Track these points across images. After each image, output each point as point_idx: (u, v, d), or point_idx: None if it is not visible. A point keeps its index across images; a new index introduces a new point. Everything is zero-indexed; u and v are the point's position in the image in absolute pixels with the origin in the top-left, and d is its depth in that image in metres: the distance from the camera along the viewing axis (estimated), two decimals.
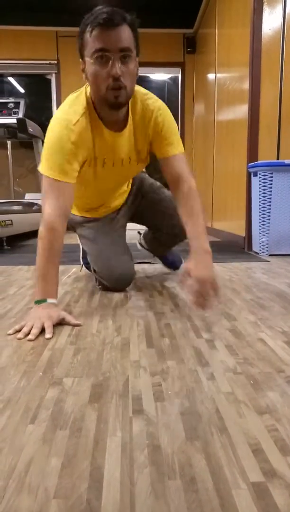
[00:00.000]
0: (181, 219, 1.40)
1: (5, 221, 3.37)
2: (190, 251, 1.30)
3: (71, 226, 1.74)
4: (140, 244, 2.08)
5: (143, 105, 1.42)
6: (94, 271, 1.65)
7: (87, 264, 1.90)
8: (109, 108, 1.30)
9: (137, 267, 2.28)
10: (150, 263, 2.27)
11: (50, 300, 1.26)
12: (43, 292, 1.26)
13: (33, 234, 4.53)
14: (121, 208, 1.78)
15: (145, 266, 2.32)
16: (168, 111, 1.45)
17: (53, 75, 5.25)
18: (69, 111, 1.35)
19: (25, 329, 1.14)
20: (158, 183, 1.79)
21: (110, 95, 1.25)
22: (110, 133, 1.39)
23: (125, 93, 1.26)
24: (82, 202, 1.69)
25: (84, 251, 1.88)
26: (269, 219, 2.66)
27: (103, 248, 1.62)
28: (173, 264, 1.87)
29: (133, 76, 1.28)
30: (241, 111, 3.14)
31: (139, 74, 1.35)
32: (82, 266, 1.99)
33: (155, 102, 1.43)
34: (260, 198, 2.66)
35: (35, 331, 1.13)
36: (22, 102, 4.32)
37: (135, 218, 1.84)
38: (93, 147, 1.39)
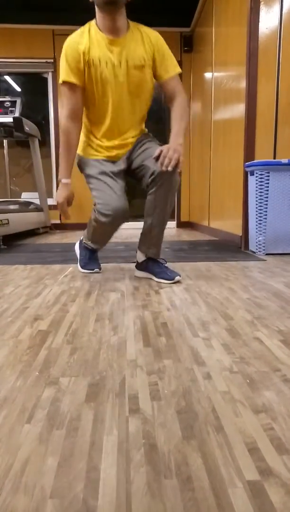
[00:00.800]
0: (172, 116, 1.80)
1: (1, 220, 3.36)
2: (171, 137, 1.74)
3: (81, 168, 1.97)
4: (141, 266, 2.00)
5: (143, 29, 1.79)
6: (94, 204, 1.83)
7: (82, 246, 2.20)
8: (105, 6, 1.62)
9: (133, 266, 2.28)
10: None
11: (64, 181, 1.89)
12: (60, 174, 1.90)
13: (30, 233, 4.54)
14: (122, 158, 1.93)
15: None
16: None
17: (50, 73, 5.23)
18: (74, 34, 1.75)
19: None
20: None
21: None
22: (106, 37, 1.71)
23: None
24: (100, 131, 1.87)
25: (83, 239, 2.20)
26: (265, 218, 2.66)
27: (105, 184, 1.80)
28: (169, 277, 1.84)
29: None
30: (238, 110, 3.14)
31: None
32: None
33: (155, 32, 1.81)
34: (256, 197, 2.66)
35: (64, 214, 1.92)
36: (18, 101, 4.31)
37: (130, 167, 1.94)
38: (90, 49, 1.71)
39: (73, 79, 1.73)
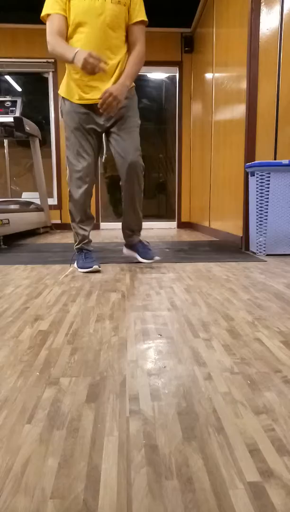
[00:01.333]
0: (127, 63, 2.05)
1: (2, 220, 3.36)
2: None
3: (61, 113, 2.16)
4: (128, 247, 2.44)
5: None
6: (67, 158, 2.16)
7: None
8: None
9: (135, 266, 2.28)
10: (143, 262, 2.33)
11: (75, 50, 1.84)
12: (69, 54, 1.85)
13: (30, 233, 4.54)
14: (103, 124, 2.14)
15: (142, 265, 2.31)
16: None
17: (50, 73, 5.24)
18: None
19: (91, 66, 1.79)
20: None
21: None
22: None
23: None
24: (76, 68, 1.99)
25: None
26: (266, 219, 2.66)
27: (78, 143, 2.11)
28: (147, 255, 2.24)
29: None
30: (239, 111, 3.14)
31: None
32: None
33: None
34: (257, 198, 2.66)
35: (96, 69, 1.80)
36: (19, 101, 4.31)
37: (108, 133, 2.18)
38: None
39: (56, 10, 1.95)
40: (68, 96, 2.10)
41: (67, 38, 2.00)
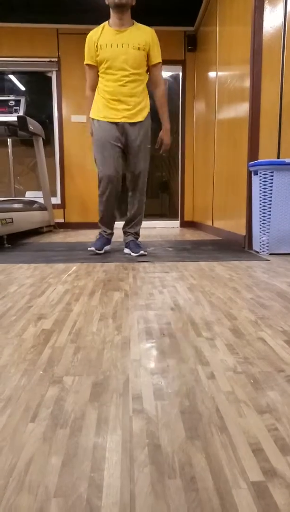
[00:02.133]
0: (157, 104, 2.71)
1: (5, 219, 3.36)
2: (162, 123, 2.71)
3: (91, 132, 2.68)
4: (125, 244, 2.89)
5: (143, 27, 2.56)
6: (95, 160, 2.70)
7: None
8: (116, 7, 2.42)
9: (137, 266, 2.28)
10: (149, 261, 2.33)
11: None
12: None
13: (34, 232, 4.55)
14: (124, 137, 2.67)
15: (146, 264, 2.32)
16: None
17: (54, 72, 5.24)
18: (93, 30, 2.56)
19: None
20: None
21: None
22: (113, 30, 2.50)
23: (125, 0, 2.40)
24: (105, 96, 2.57)
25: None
26: (269, 218, 2.66)
27: (105, 150, 2.61)
28: (134, 249, 2.69)
29: None
30: (242, 109, 3.13)
31: None
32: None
33: (152, 29, 2.58)
34: (260, 197, 2.66)
35: None
36: (22, 100, 4.31)
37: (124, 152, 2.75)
38: (100, 38, 2.51)
39: (89, 61, 2.57)
40: (95, 116, 2.71)
41: (99, 76, 2.61)
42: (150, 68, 2.61)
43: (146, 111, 2.65)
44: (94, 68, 2.58)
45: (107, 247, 2.86)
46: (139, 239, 2.93)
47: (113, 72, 2.51)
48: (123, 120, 2.56)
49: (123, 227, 2.89)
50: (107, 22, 2.54)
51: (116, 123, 2.58)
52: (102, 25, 2.54)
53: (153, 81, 2.65)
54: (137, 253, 2.64)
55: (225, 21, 3.69)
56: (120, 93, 2.53)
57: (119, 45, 2.48)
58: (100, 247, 2.75)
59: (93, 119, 2.62)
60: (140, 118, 2.61)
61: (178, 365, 0.91)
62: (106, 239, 2.86)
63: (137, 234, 2.88)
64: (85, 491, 0.52)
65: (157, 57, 2.59)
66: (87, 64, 2.59)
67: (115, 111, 2.56)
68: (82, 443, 0.63)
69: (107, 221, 2.83)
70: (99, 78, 2.60)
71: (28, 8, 4.77)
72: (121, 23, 2.49)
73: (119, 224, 3.40)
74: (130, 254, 2.71)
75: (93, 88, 2.63)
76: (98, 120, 2.60)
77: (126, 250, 2.81)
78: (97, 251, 2.72)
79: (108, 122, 2.57)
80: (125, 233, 2.89)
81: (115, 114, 2.56)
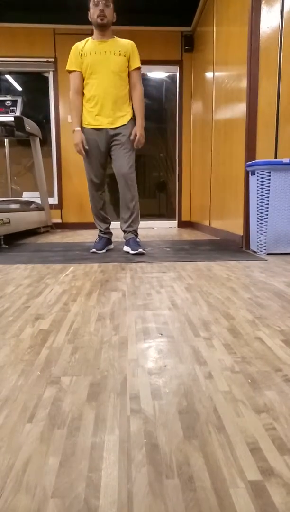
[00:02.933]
0: (134, 106, 2.83)
1: (2, 219, 3.36)
2: (136, 123, 2.81)
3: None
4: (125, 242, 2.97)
5: (123, 40, 2.79)
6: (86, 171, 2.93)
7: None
8: (98, 26, 2.69)
9: (135, 266, 2.28)
10: (147, 261, 2.31)
11: (76, 128, 2.77)
12: (72, 125, 2.79)
13: (31, 232, 4.54)
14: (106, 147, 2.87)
15: (144, 264, 2.32)
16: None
17: (51, 72, 5.23)
18: (78, 42, 2.80)
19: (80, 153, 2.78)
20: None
21: (98, 19, 2.66)
22: (96, 41, 2.75)
23: (106, 19, 2.67)
24: (90, 103, 2.78)
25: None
26: (267, 218, 2.66)
27: (90, 155, 2.86)
28: (133, 247, 2.78)
29: (111, 12, 2.69)
30: (239, 109, 3.14)
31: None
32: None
33: (131, 41, 2.80)
34: (258, 197, 2.66)
35: (80, 153, 2.80)
36: (19, 100, 4.30)
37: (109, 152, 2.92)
38: (84, 46, 2.75)
39: (73, 67, 2.76)
40: (84, 124, 2.89)
41: (84, 84, 2.78)
42: (130, 73, 2.80)
43: (129, 116, 2.82)
44: (77, 74, 2.76)
45: (109, 246, 3.02)
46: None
47: (96, 77, 2.71)
48: (106, 126, 2.76)
49: (121, 227, 2.96)
50: (91, 37, 2.81)
51: (99, 129, 2.78)
52: (86, 39, 2.80)
53: (132, 84, 2.82)
54: (135, 250, 2.73)
55: (222, 21, 3.69)
56: (104, 98, 2.73)
57: (102, 53, 2.71)
58: (101, 248, 2.89)
59: (82, 127, 2.82)
60: (122, 122, 2.79)
61: (176, 365, 0.91)
62: (106, 239, 2.98)
63: (136, 232, 2.95)
64: (83, 491, 0.52)
65: (136, 63, 2.79)
66: (69, 71, 2.78)
67: (99, 118, 2.76)
68: (80, 443, 0.63)
69: (98, 216, 3.01)
70: (84, 86, 2.78)
71: (25, 8, 4.77)
72: (103, 36, 2.75)
73: (117, 224, 3.41)
74: (128, 252, 2.80)
75: (77, 91, 2.78)
76: (84, 127, 2.82)
77: (125, 248, 2.89)
78: (99, 252, 2.85)
79: (92, 128, 2.79)
80: (124, 231, 2.97)
81: (99, 121, 2.77)
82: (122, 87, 2.76)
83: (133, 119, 2.84)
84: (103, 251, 2.89)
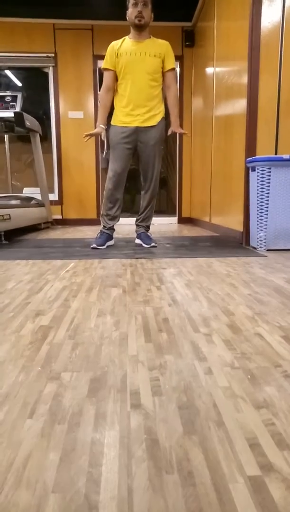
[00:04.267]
0: (169, 105, 2.90)
1: (3, 215, 3.36)
2: (171, 123, 2.93)
3: (107, 146, 2.98)
4: (137, 236, 3.16)
5: (159, 40, 2.83)
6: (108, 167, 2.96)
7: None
8: (135, 27, 2.73)
9: (135, 262, 2.28)
10: (147, 258, 2.31)
11: (101, 125, 2.86)
12: (98, 122, 2.88)
13: (31, 228, 4.54)
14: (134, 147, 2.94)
15: (143, 261, 2.32)
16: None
17: (51, 68, 5.21)
18: (115, 41, 2.84)
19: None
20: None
21: (136, 20, 2.69)
22: (132, 41, 2.79)
23: (143, 20, 2.69)
24: (122, 102, 2.83)
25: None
26: (267, 214, 2.66)
27: (115, 151, 2.89)
28: (146, 241, 2.99)
29: (149, 13, 2.73)
30: (240, 105, 3.12)
31: None
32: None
33: (167, 42, 2.83)
34: (258, 193, 2.66)
35: (90, 135, 2.83)
36: (19, 96, 4.29)
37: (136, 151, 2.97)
38: (120, 46, 2.78)
39: (107, 66, 2.80)
40: (114, 122, 2.95)
41: (118, 83, 2.84)
42: (165, 74, 2.84)
43: (160, 116, 2.87)
44: (111, 72, 2.81)
45: (110, 242, 3.02)
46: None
47: (131, 78, 2.75)
48: (137, 124, 2.81)
49: (136, 221, 3.17)
50: (127, 36, 2.84)
51: (129, 127, 2.82)
52: (123, 38, 2.84)
53: (167, 84, 2.87)
54: (148, 244, 2.95)
55: (222, 16, 3.67)
56: (137, 98, 2.77)
57: (137, 54, 2.74)
58: (102, 243, 2.91)
59: (111, 125, 2.89)
60: (153, 122, 2.84)
61: (176, 361, 0.91)
62: (107, 235, 2.99)
63: (148, 227, 3.16)
64: (83, 486, 0.53)
65: (171, 64, 2.82)
66: (104, 68, 2.83)
67: (131, 117, 2.81)
68: (80, 438, 0.63)
69: (109, 214, 2.98)
70: (119, 85, 2.83)
71: (24, 2, 4.74)
72: (139, 37, 2.78)
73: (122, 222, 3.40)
74: (141, 244, 3.02)
75: (108, 90, 2.83)
76: (114, 125, 2.87)
77: (137, 241, 3.11)
78: (99, 247, 2.87)
79: (122, 126, 2.83)
80: (137, 225, 3.16)
81: (130, 119, 2.81)
82: (156, 87, 2.81)
83: (165, 118, 2.91)
84: (104, 247, 2.91)
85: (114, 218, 3.00)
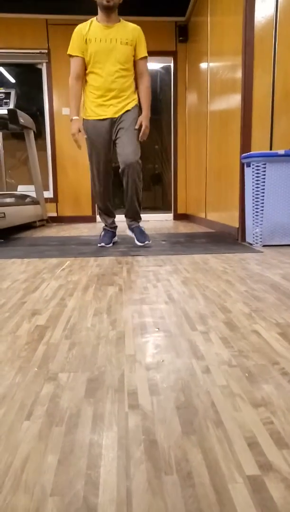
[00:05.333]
0: (140, 95, 2.76)
1: None
2: (142, 112, 2.71)
3: (84, 130, 2.73)
4: (130, 229, 2.93)
5: (130, 24, 2.64)
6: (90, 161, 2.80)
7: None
8: (104, 8, 2.51)
9: (131, 260, 2.28)
10: (143, 255, 2.30)
11: (74, 117, 2.63)
12: (71, 113, 2.64)
13: (26, 226, 4.52)
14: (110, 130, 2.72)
15: (140, 258, 2.31)
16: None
17: (44, 64, 5.17)
18: (81, 24, 2.61)
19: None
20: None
21: (104, 1, 2.46)
22: (101, 25, 2.57)
23: (112, 1, 2.47)
24: (93, 94, 2.64)
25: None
26: (262, 210, 2.66)
27: (94, 147, 2.73)
28: (140, 239, 2.78)
29: None
30: (234, 101, 3.12)
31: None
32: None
33: (138, 26, 2.64)
34: (253, 189, 2.66)
35: (76, 144, 2.66)
36: (13, 93, 4.25)
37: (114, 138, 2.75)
38: (88, 31, 2.56)
39: (76, 53, 2.59)
40: (86, 116, 2.76)
41: (86, 72, 2.64)
42: (137, 62, 2.68)
43: (134, 102, 2.71)
44: (79, 59, 2.60)
45: (115, 239, 2.99)
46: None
47: (101, 67, 2.57)
48: (110, 115, 2.65)
49: (125, 217, 2.91)
50: (95, 18, 2.60)
51: (103, 120, 2.66)
52: (90, 20, 2.61)
53: (139, 73, 2.71)
54: (142, 242, 2.74)
55: (216, 11, 3.66)
56: (108, 88, 2.60)
57: (107, 40, 2.55)
58: (108, 241, 2.84)
59: (84, 119, 2.70)
60: (127, 109, 2.68)
61: (173, 360, 0.91)
62: (111, 233, 2.93)
63: (140, 219, 2.92)
64: (82, 488, 0.52)
65: (143, 52, 2.66)
66: (71, 55, 2.61)
67: (104, 107, 2.64)
68: (78, 440, 0.63)
69: (103, 210, 2.90)
70: (88, 74, 2.63)
71: None
72: (109, 20, 2.56)
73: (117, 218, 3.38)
74: (134, 240, 2.84)
75: (78, 77, 2.63)
76: (86, 119, 2.69)
77: (130, 233, 2.90)
78: (107, 246, 2.81)
79: (96, 119, 2.66)
80: (128, 224, 2.95)
81: (103, 110, 2.64)
82: (128, 76, 2.65)
83: (139, 107, 2.75)
84: (110, 244, 2.85)
85: (110, 213, 2.92)
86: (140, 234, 2.81)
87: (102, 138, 2.69)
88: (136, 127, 2.65)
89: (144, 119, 2.67)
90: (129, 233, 2.93)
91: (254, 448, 0.60)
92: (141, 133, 2.66)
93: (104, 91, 2.61)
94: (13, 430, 0.66)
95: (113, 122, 2.68)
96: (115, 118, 2.67)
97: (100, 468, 0.56)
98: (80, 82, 2.66)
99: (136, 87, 2.76)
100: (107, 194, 2.85)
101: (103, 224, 3.04)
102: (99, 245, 2.80)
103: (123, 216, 2.90)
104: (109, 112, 2.65)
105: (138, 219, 2.88)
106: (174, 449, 0.60)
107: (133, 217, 2.84)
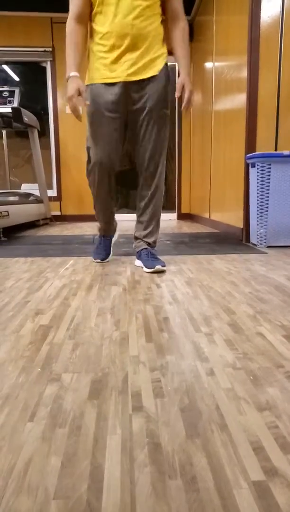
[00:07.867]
0: (174, 44, 1.90)
1: (1, 212, 3.34)
2: (180, 71, 1.88)
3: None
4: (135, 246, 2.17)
5: None
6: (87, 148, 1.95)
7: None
8: None
9: (135, 259, 2.27)
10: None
11: (72, 74, 1.76)
12: (68, 69, 1.78)
13: (30, 225, 4.52)
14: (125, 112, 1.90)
15: None
16: None
17: (48, 62, 5.16)
18: None
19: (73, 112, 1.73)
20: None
21: None
22: None
23: None
24: (101, 46, 1.81)
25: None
26: (267, 211, 2.65)
27: (96, 133, 1.88)
28: (148, 264, 1.92)
29: None
30: (239, 100, 3.10)
31: None
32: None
33: None
34: (258, 190, 2.64)
35: (74, 114, 1.74)
36: (17, 91, 4.26)
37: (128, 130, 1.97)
38: None
39: None
40: (91, 80, 1.95)
41: (92, 14, 1.81)
42: (167, 0, 1.83)
43: (163, 61, 1.87)
44: None
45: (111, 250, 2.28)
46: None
47: (113, 2, 1.73)
48: (126, 77, 1.80)
49: (135, 232, 2.11)
50: None
51: (115, 84, 1.82)
52: None
53: (170, 16, 1.85)
54: (152, 268, 1.87)
55: (221, 10, 3.64)
56: (123, 34, 1.74)
57: None
58: (104, 256, 2.17)
59: (86, 85, 1.89)
60: (152, 72, 1.83)
61: (177, 361, 0.91)
62: (108, 242, 2.24)
63: (154, 243, 2.08)
64: (85, 492, 0.52)
65: None
66: None
67: (115, 65, 1.80)
68: (82, 442, 0.62)
69: (106, 221, 2.17)
70: (93, 18, 1.82)
71: None
72: None
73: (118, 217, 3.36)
74: (142, 268, 1.97)
75: (78, 19, 1.81)
76: (92, 84, 1.86)
77: (138, 263, 2.04)
78: (103, 261, 2.17)
79: (104, 84, 1.82)
80: (136, 239, 2.11)
81: (114, 71, 1.81)
82: (153, 17, 1.79)
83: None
84: (107, 260, 2.20)
85: (112, 223, 2.22)
86: (149, 256, 1.97)
87: (111, 112, 1.84)
88: (177, 94, 1.84)
89: (186, 82, 1.82)
90: (136, 263, 2.06)
91: (259, 453, 0.59)
92: (184, 102, 1.85)
93: (116, 38, 1.76)
94: (17, 431, 0.65)
95: (129, 92, 1.84)
96: (132, 85, 1.83)
97: (103, 471, 0.56)
98: (84, 27, 1.84)
99: (166, 36, 1.89)
100: (110, 200, 2.06)
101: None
102: (94, 260, 2.18)
103: (127, 216, 2.65)
104: (122, 72, 1.80)
105: (155, 242, 2.09)
106: (178, 452, 0.59)
107: (149, 239, 2.06)
